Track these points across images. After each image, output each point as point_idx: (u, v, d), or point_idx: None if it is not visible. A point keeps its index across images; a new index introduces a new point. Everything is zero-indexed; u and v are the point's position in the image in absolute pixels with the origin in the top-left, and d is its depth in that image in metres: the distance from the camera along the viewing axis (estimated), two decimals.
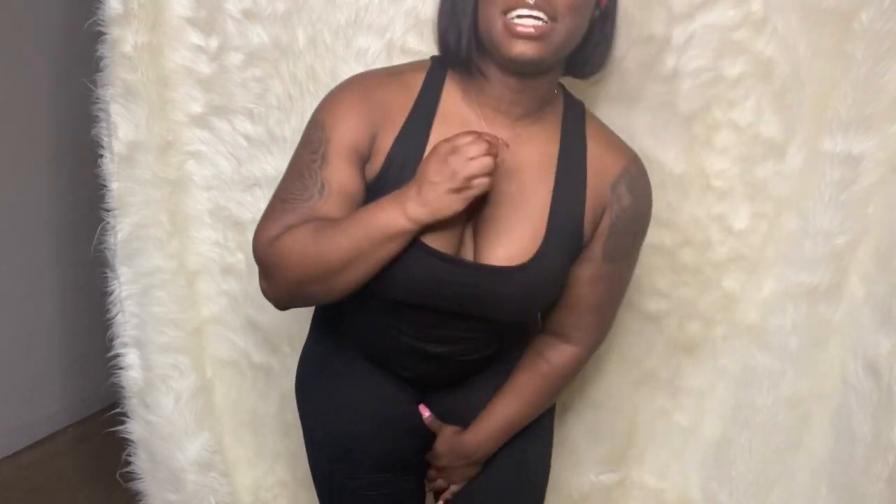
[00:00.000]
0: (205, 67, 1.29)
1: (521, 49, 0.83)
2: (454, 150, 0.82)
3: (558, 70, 0.94)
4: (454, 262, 0.90)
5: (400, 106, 0.92)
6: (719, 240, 1.30)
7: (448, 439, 1.08)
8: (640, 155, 1.03)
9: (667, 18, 1.22)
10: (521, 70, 0.88)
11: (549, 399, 1.10)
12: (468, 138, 0.83)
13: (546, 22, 0.82)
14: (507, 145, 0.88)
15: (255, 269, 1.36)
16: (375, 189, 0.91)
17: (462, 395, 1.09)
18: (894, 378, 1.17)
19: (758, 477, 1.34)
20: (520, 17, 0.82)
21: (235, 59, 1.28)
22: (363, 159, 0.91)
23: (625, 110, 1.26)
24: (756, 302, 1.31)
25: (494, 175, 0.84)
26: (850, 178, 1.19)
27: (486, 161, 0.82)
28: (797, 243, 1.24)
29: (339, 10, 1.25)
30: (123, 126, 1.26)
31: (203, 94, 1.30)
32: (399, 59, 1.26)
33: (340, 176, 0.90)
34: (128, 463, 1.41)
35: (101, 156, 1.29)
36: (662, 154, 1.27)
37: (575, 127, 0.97)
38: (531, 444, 1.12)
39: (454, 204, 0.83)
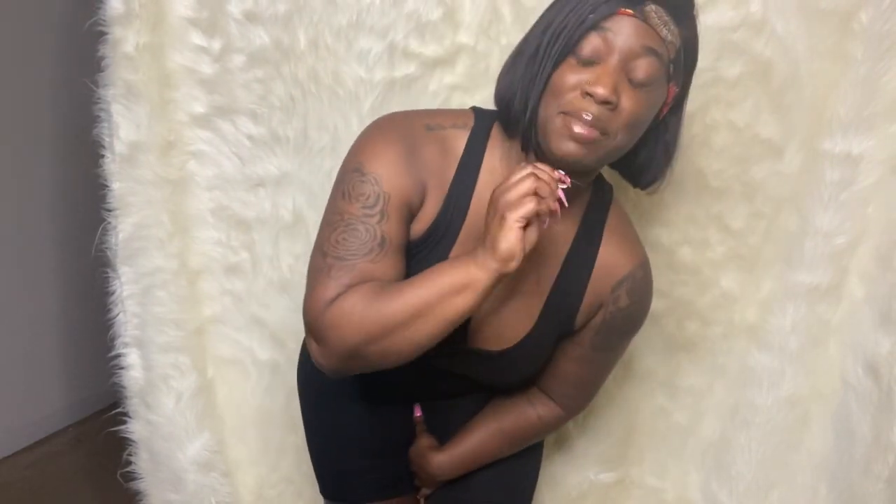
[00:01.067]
0: (207, 68, 1.29)
1: (570, 149, 0.81)
2: (503, 191, 0.78)
3: (596, 173, 0.93)
4: (441, 343, 0.85)
5: (442, 172, 0.89)
6: (717, 239, 1.30)
7: (420, 451, 1.11)
8: None
9: None
10: (562, 167, 0.83)
11: (524, 444, 1.11)
12: (516, 177, 0.78)
13: (599, 134, 0.80)
14: (566, 182, 0.81)
15: (260, 267, 1.38)
16: (416, 252, 0.90)
17: (450, 405, 1.13)
18: (894, 378, 1.17)
19: (757, 477, 1.34)
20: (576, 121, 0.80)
21: (238, 60, 1.28)
22: (412, 218, 0.90)
23: None
24: (755, 302, 1.31)
25: (549, 206, 0.78)
26: (850, 178, 1.19)
27: (528, 185, 0.77)
28: (797, 243, 1.24)
29: (340, 12, 1.25)
30: (125, 126, 1.26)
31: (206, 94, 1.31)
32: (401, 62, 1.26)
33: (398, 231, 0.86)
34: (128, 463, 1.41)
35: (103, 156, 1.29)
36: None
37: (596, 217, 0.95)
38: (518, 461, 1.13)
39: (509, 235, 0.76)
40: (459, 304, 0.79)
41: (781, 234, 1.27)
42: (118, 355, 1.36)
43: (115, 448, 1.41)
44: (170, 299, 1.34)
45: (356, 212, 0.85)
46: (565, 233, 0.93)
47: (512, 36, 1.26)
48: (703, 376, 1.38)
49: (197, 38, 1.28)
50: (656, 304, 1.34)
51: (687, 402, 1.40)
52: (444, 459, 1.08)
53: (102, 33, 1.23)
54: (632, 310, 0.98)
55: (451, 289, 0.79)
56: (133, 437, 1.39)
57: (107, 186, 1.29)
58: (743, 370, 1.33)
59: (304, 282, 1.38)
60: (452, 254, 0.90)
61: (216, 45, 1.28)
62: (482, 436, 1.08)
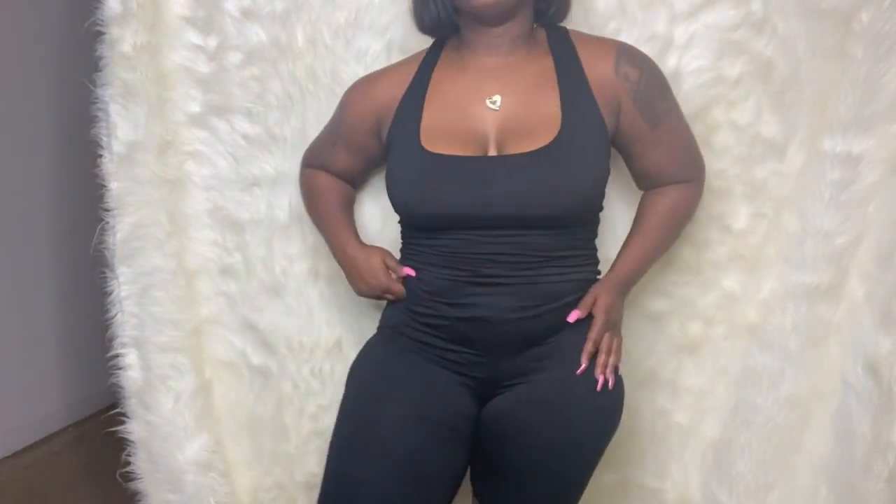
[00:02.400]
0: (203, 67, 1.29)
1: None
2: (369, 270, 1.16)
3: (528, 8, 1.05)
4: (479, 159, 0.99)
5: (407, 74, 1.11)
6: (718, 239, 1.30)
7: (605, 290, 1.06)
8: None
9: (669, 18, 1.22)
10: (489, 16, 1.00)
11: (679, 228, 1.14)
12: (378, 281, 1.14)
13: None
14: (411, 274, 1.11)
15: (253, 270, 1.38)
16: (390, 141, 1.10)
17: (526, 391, 1.04)
18: (894, 378, 1.17)
19: (758, 477, 1.33)
20: None
21: (234, 58, 1.28)
22: (370, 129, 1.14)
23: None
24: (756, 302, 1.31)
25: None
26: (850, 178, 1.19)
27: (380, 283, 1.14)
28: (797, 243, 1.24)
29: (338, 10, 1.25)
30: (123, 126, 1.26)
31: (202, 93, 1.30)
32: (399, 60, 1.26)
33: (346, 140, 1.18)
34: (127, 463, 1.41)
35: (101, 155, 1.29)
36: None
37: (561, 41, 1.07)
38: (566, 471, 1.04)
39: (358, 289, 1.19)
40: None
41: (782, 234, 1.27)
42: (117, 355, 1.36)
43: (114, 448, 1.41)
44: (168, 299, 1.34)
45: (333, 117, 1.22)
46: (544, 62, 1.05)
47: None
48: (704, 376, 1.38)
49: (193, 37, 1.27)
50: (658, 305, 1.35)
51: (688, 403, 1.40)
52: (623, 267, 1.10)
53: (100, 33, 1.23)
54: (646, 74, 1.05)
55: (331, 243, 1.24)
56: (132, 437, 1.39)
57: (104, 186, 1.29)
58: (744, 370, 1.33)
59: (296, 286, 1.40)
60: (423, 124, 1.04)
61: (212, 42, 1.27)
62: (636, 247, 1.11)
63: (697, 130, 1.25)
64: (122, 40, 1.22)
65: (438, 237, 1.04)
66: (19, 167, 2.11)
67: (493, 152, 1.01)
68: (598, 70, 1.03)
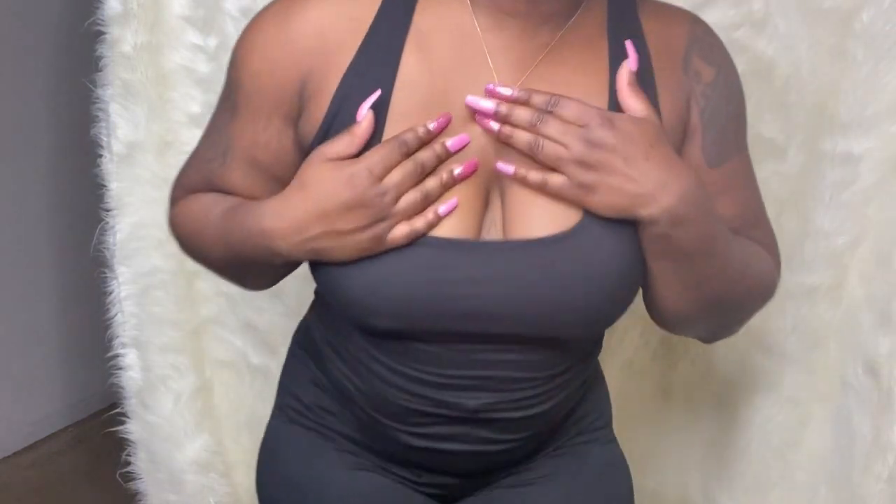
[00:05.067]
0: (203, 67, 1.28)
1: None
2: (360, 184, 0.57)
3: None
4: (465, 246, 0.59)
5: (352, 25, 0.64)
6: None
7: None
8: None
9: None
10: None
11: (748, 268, 0.76)
12: (378, 155, 0.56)
13: None
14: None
15: None
16: (323, 141, 0.64)
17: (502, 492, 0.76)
18: (894, 378, 1.16)
19: (757, 477, 1.33)
20: None
21: None
22: (288, 111, 0.67)
23: None
24: None
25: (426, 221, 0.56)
26: (850, 178, 1.18)
27: (411, 198, 0.54)
28: (797, 244, 1.24)
29: None
30: (123, 126, 1.26)
31: (202, 93, 1.30)
32: None
33: (250, 137, 0.69)
34: (127, 463, 1.41)
35: (101, 155, 1.29)
36: None
37: (627, 16, 0.67)
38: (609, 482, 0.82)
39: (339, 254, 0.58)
40: (263, 256, 0.68)
41: (782, 235, 1.26)
42: (117, 355, 1.36)
43: (115, 448, 1.41)
44: (168, 299, 1.34)
45: (219, 108, 0.74)
46: (596, 59, 0.65)
47: None
48: (704, 377, 1.38)
49: (193, 37, 1.27)
50: None
51: (688, 403, 1.40)
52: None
53: (100, 33, 1.23)
54: (722, 77, 0.70)
55: (243, 228, 0.67)
56: (132, 437, 1.39)
57: (104, 186, 1.29)
58: (743, 370, 1.33)
59: (296, 287, 1.38)
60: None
61: (212, 42, 1.27)
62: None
63: None
64: (123, 40, 1.21)
65: (398, 345, 0.66)
66: (19, 167, 2.11)
67: (497, 220, 0.62)
68: (666, 61, 0.66)
